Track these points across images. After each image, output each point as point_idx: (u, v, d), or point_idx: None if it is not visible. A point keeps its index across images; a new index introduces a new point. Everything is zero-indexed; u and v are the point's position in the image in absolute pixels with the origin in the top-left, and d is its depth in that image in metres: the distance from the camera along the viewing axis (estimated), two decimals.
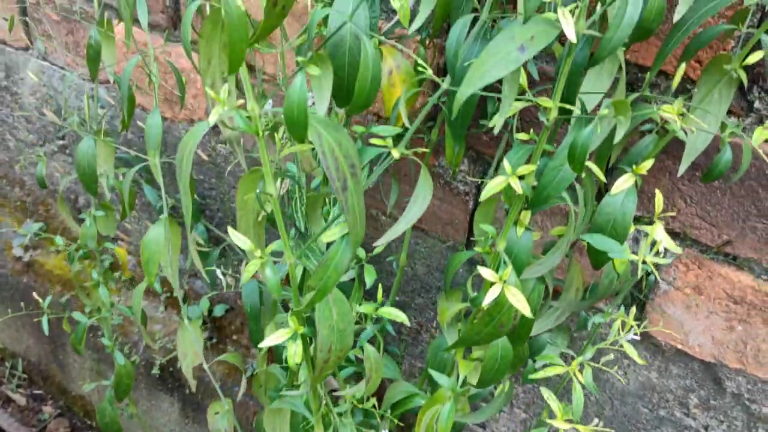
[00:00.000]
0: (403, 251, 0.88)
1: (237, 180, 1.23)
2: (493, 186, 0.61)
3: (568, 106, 0.56)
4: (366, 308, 0.61)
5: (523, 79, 0.60)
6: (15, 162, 1.52)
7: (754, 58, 0.59)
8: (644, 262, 0.68)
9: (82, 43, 1.25)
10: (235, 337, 1.38)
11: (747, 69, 0.67)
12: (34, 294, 1.04)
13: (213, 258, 1.20)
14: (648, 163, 0.64)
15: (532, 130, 0.66)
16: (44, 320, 0.96)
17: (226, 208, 1.29)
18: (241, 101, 0.53)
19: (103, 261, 1.07)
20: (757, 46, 0.62)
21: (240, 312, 1.36)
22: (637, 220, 0.86)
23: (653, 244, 0.69)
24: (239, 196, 0.61)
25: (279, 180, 0.60)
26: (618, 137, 0.59)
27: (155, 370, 1.33)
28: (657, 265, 0.86)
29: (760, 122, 0.74)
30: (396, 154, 0.54)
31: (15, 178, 1.56)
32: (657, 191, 0.65)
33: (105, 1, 1.11)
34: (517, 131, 0.74)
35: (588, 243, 0.65)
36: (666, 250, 0.67)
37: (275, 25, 0.51)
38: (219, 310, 1.34)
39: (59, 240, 0.94)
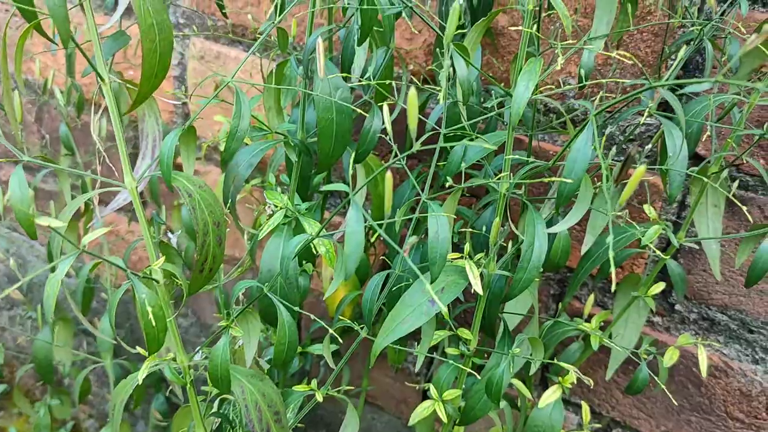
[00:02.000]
0: None
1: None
2: (420, 411, 0.63)
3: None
4: None
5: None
6: None
7: (657, 288, 0.63)
8: None
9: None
10: None
11: (665, 276, 0.72)
12: None
13: None
14: (572, 376, 0.67)
15: (460, 344, 0.70)
16: None
17: None
18: (171, 355, 0.56)
19: None
20: (664, 269, 0.67)
21: None
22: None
23: None
24: (174, 428, 0.63)
25: (211, 419, 0.63)
26: (532, 371, 0.62)
27: None
28: None
29: (683, 322, 0.78)
30: (319, 397, 0.57)
31: None
32: (584, 403, 0.68)
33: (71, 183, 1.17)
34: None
35: None
36: None
37: (203, 285, 0.55)
38: None
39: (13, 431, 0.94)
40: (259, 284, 0.54)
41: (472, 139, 0.62)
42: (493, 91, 0.68)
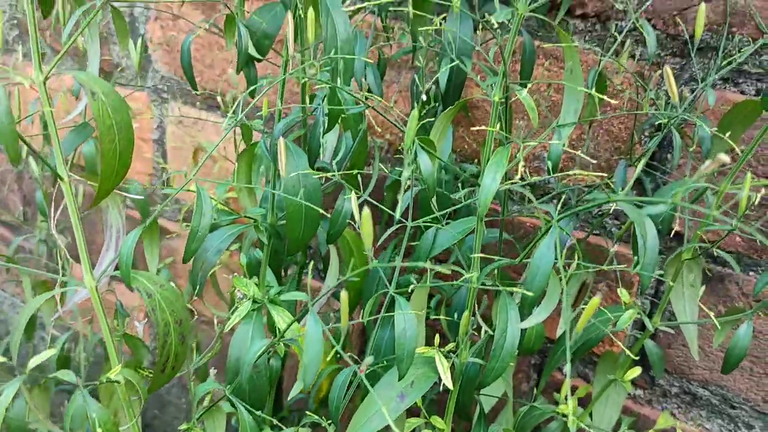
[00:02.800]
0: None
1: (179, 410, 1.23)
2: None
3: None
4: None
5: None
6: None
7: (634, 373, 0.62)
8: None
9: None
10: None
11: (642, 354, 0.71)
12: None
13: None
14: None
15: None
16: None
17: (172, 430, 1.27)
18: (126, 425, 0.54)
19: None
20: (642, 349, 0.66)
21: None
22: None
23: None
24: None
25: None
26: None
27: None
28: None
29: (665, 395, 0.77)
30: None
31: None
32: None
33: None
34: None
35: None
36: None
37: (165, 383, 0.54)
38: None
39: None
40: (221, 386, 0.52)
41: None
42: (465, 172, 0.68)
